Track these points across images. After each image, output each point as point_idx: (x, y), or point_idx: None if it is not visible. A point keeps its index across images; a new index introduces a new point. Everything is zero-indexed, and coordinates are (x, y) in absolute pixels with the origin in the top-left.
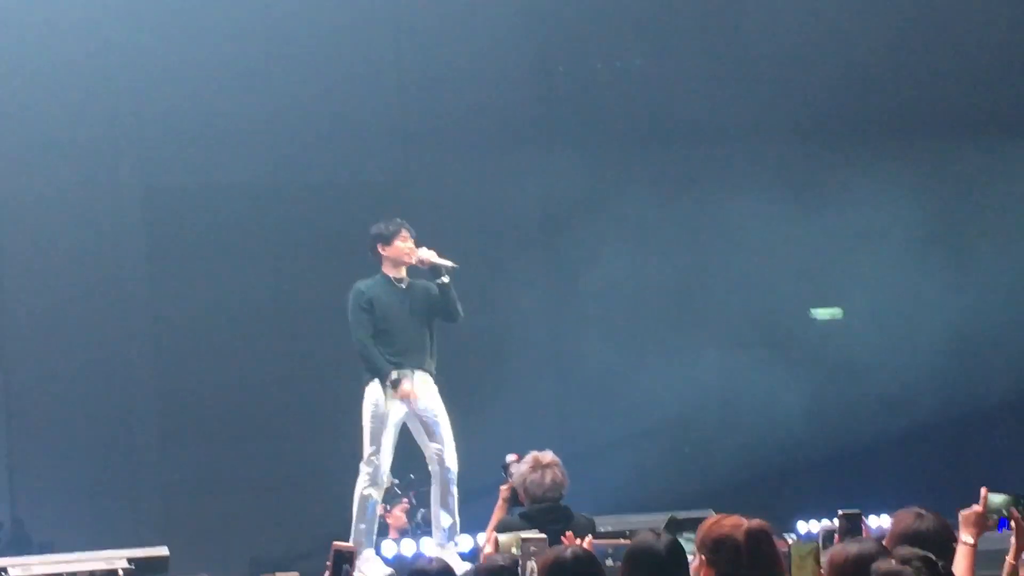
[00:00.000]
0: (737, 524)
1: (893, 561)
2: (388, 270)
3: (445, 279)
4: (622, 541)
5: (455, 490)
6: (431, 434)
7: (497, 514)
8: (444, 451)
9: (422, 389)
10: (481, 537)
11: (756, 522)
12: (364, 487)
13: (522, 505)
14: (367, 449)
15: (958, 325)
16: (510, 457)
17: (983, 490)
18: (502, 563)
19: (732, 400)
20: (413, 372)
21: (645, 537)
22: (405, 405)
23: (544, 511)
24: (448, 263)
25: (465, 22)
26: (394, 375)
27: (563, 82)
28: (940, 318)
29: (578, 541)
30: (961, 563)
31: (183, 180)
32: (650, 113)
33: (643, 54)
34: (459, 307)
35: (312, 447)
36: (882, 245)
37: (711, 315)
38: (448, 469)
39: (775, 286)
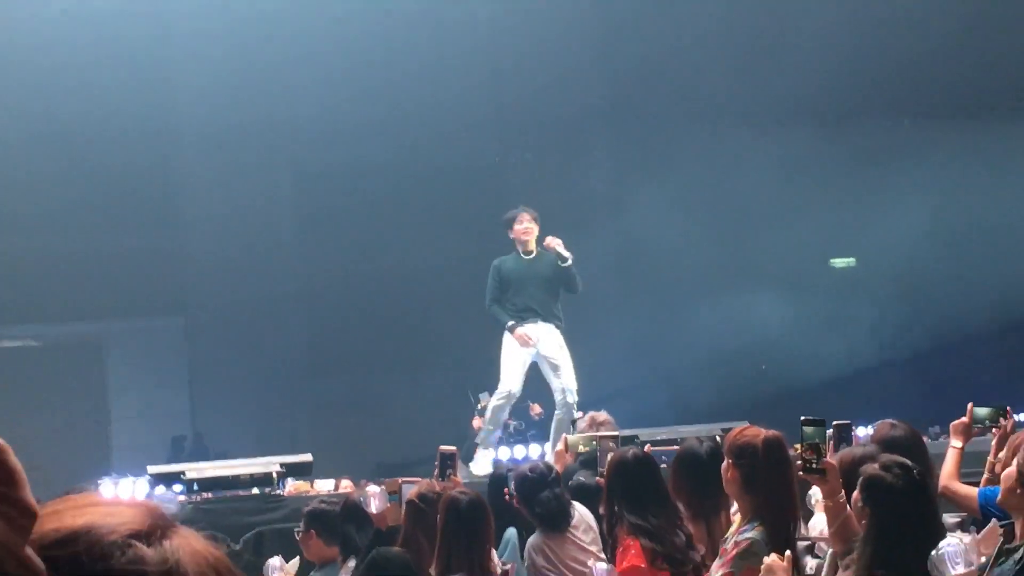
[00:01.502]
0: (756, 434)
1: (877, 465)
2: (517, 247)
3: (564, 263)
4: (672, 448)
5: (575, 415)
6: (555, 373)
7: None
8: (566, 388)
9: (546, 337)
10: None
11: (772, 432)
12: (496, 401)
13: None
14: (503, 377)
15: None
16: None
17: (969, 405)
18: (542, 466)
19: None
20: (536, 323)
21: (691, 443)
22: (526, 348)
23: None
24: (565, 254)
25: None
26: (510, 323)
27: (624, 69)
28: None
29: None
30: (950, 463)
31: (327, 163)
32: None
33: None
34: (578, 283)
35: (425, 381)
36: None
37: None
38: (568, 404)
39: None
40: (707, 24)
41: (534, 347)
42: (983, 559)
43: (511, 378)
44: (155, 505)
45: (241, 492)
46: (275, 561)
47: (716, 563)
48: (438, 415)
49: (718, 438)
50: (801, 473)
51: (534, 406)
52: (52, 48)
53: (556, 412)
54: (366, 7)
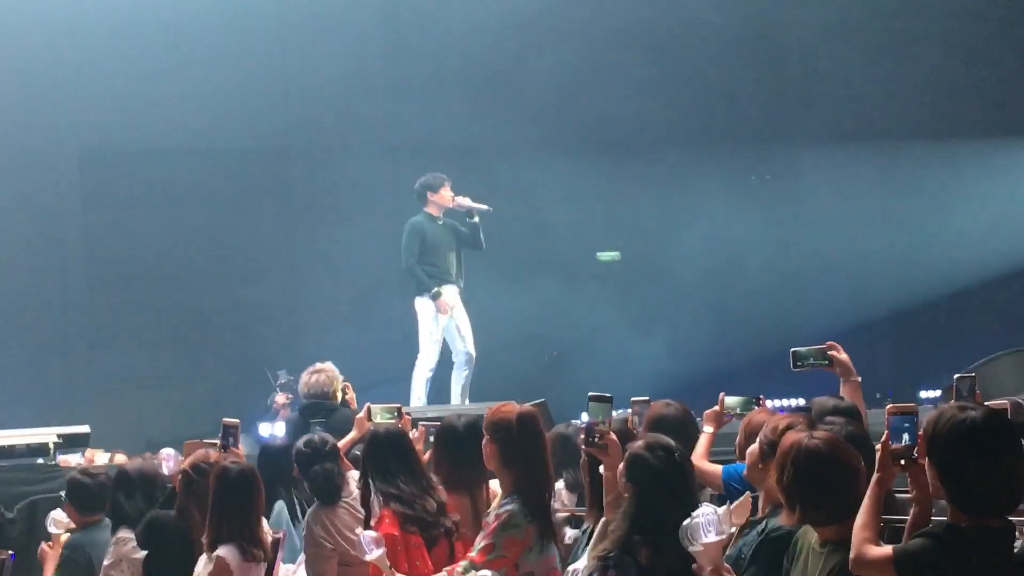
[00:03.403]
0: (512, 410)
1: (641, 444)
2: (432, 210)
3: (476, 219)
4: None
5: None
6: (460, 335)
7: None
8: (470, 350)
9: (456, 301)
10: None
11: (527, 408)
12: (426, 374)
13: None
14: (427, 347)
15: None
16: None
17: (721, 394)
18: (316, 440)
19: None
20: (451, 287)
21: (450, 419)
22: (444, 315)
23: (310, 407)
24: (483, 207)
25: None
26: (435, 291)
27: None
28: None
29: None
30: (701, 445)
31: (114, 142)
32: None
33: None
34: (482, 239)
35: (204, 359)
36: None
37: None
38: (472, 365)
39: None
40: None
41: (448, 314)
42: (734, 528)
43: (435, 348)
44: None
45: (17, 461)
46: (56, 513)
47: (480, 535)
48: (220, 392)
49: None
50: (583, 447)
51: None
52: None
53: (464, 373)
54: None
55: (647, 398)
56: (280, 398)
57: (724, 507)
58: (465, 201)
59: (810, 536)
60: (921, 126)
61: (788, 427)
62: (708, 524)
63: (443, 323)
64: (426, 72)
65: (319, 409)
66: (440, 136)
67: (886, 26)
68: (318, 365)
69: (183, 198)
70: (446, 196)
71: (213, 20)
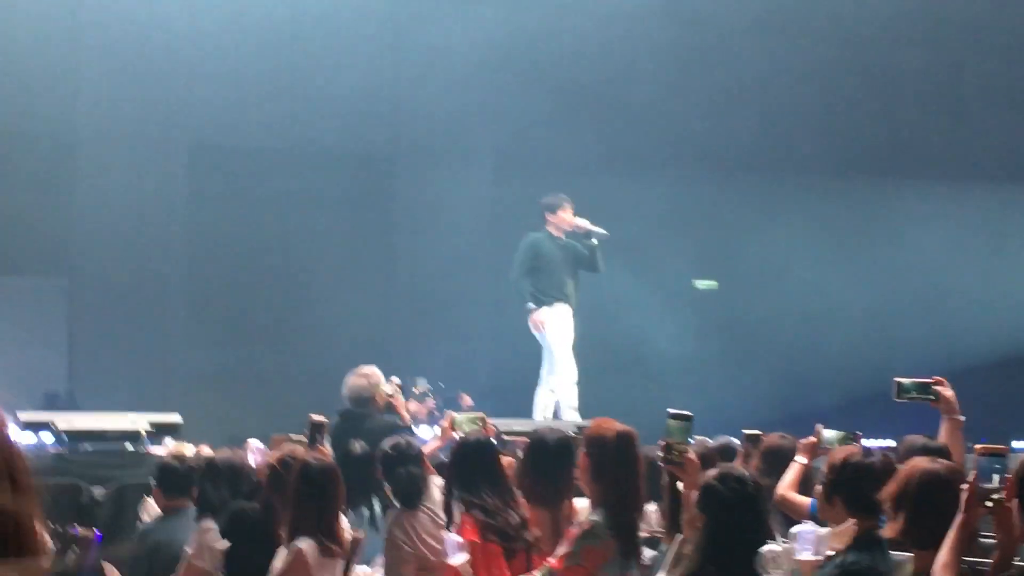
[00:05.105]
0: (611, 427)
1: (714, 475)
2: (552, 230)
3: (595, 241)
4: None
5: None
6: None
7: None
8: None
9: (566, 320)
10: None
11: (625, 427)
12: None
13: None
14: (564, 363)
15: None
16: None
17: (817, 426)
18: (403, 443)
19: None
20: (561, 306)
21: (542, 432)
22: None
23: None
24: (600, 231)
25: None
26: (529, 304)
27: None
28: None
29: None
30: (790, 475)
31: (223, 141)
32: None
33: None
34: (602, 263)
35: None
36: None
37: None
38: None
39: None
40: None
41: (543, 331)
42: (831, 552)
43: (569, 365)
44: None
45: (107, 445)
46: (150, 502)
47: (561, 543)
48: (308, 392)
49: (572, 432)
50: (662, 464)
51: (464, 397)
52: None
53: (557, 394)
54: None
55: (758, 432)
56: (414, 406)
57: (827, 528)
58: (584, 223)
59: (907, 568)
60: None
61: (845, 457)
62: (806, 542)
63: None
64: (530, 89)
65: (351, 418)
66: (541, 152)
67: (997, 69)
68: (363, 369)
69: (287, 199)
70: (565, 217)
71: (328, 23)
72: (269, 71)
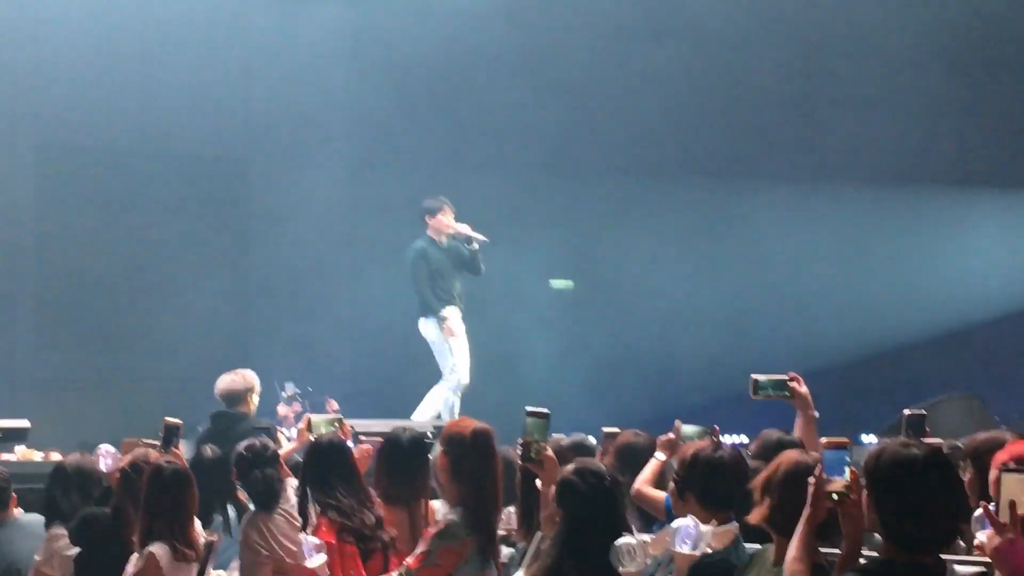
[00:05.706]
0: (467, 425)
1: (571, 469)
2: (432, 235)
3: (475, 246)
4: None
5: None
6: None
7: None
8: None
9: (458, 324)
10: None
11: (482, 424)
12: (454, 396)
13: None
14: (460, 367)
15: None
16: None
17: (676, 422)
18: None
19: None
20: (455, 309)
21: (395, 433)
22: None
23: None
24: (481, 237)
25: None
26: (442, 312)
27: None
28: None
29: None
30: (648, 471)
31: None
32: None
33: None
34: (481, 265)
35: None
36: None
37: None
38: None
39: None
40: None
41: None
42: (649, 560)
43: (466, 367)
44: None
45: None
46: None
47: (418, 544)
48: (160, 398)
49: (431, 432)
50: (520, 462)
51: (331, 401)
52: None
53: (454, 397)
54: None
55: (617, 429)
56: (282, 409)
57: (709, 527)
58: (465, 229)
59: (767, 555)
60: (879, 172)
61: (695, 453)
62: (687, 536)
63: (445, 339)
64: (392, 89)
65: (224, 420)
66: (408, 151)
67: (847, 72)
68: (239, 370)
69: (138, 200)
70: (445, 221)
71: (179, 22)
72: (118, 69)
